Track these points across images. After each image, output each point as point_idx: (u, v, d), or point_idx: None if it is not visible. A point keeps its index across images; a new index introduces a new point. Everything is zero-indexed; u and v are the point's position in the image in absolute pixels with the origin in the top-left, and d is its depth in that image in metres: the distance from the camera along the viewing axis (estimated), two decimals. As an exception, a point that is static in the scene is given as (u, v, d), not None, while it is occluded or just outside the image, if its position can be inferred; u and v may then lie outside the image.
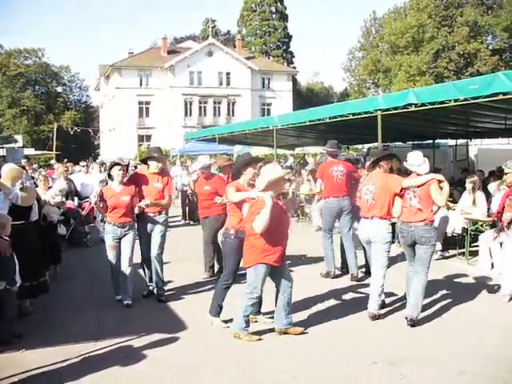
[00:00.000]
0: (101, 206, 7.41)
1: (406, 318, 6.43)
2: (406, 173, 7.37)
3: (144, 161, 8.04)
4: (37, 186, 8.59)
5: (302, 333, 6.13)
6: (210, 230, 8.96)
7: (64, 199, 9.18)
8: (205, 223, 9.12)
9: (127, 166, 7.94)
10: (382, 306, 6.92)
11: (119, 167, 7.42)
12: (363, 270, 8.85)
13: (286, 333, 6.08)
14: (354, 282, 8.47)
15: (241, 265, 6.30)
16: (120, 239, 7.38)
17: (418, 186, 6.54)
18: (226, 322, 6.40)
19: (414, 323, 6.36)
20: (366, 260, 8.52)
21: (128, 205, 7.34)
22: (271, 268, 5.91)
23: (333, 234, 9.09)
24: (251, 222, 5.78)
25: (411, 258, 6.74)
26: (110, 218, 7.41)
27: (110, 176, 7.57)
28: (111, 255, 7.44)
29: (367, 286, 7.50)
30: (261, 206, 5.67)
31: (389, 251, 6.84)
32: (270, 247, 5.80)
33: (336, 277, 8.85)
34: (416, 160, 6.64)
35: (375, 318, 6.66)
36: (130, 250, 7.42)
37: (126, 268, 7.38)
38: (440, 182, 6.59)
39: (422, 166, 6.60)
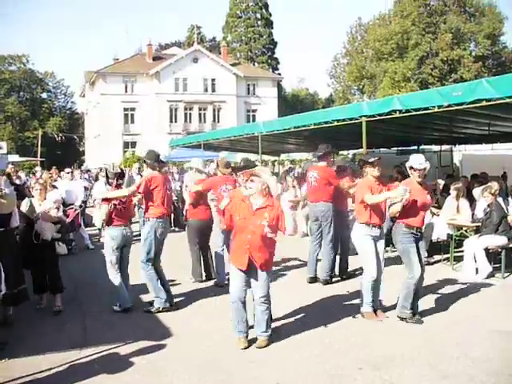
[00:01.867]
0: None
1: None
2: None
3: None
4: (32, 196, 8.13)
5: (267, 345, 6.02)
6: None
7: (61, 213, 8.20)
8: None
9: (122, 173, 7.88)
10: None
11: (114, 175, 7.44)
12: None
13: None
14: (339, 287, 8.49)
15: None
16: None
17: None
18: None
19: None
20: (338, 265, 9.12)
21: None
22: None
23: (317, 238, 8.88)
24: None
25: None
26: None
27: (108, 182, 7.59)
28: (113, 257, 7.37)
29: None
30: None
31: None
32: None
33: (315, 282, 8.82)
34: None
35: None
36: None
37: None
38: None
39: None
